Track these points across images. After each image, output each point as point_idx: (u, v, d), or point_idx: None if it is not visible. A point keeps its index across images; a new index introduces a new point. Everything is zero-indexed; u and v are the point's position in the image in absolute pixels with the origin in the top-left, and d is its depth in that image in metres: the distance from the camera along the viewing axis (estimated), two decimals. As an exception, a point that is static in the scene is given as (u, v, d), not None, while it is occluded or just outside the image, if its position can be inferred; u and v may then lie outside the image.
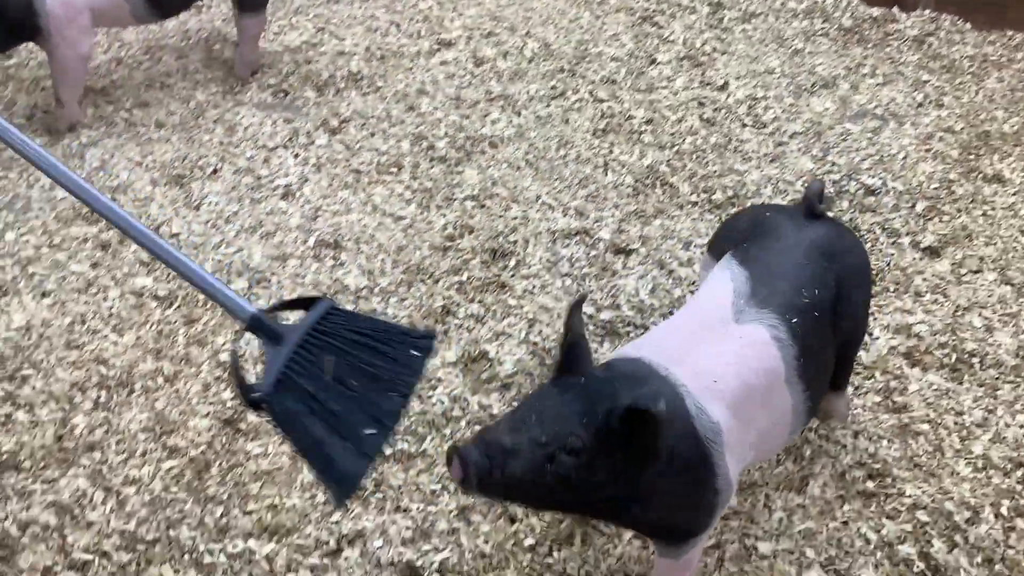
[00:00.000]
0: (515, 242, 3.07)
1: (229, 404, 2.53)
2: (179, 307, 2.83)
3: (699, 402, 1.81)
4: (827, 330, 2.05)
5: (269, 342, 1.67)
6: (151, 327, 2.75)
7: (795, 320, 1.97)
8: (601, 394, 1.73)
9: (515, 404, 2.27)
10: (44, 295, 2.83)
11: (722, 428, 1.82)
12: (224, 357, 2.65)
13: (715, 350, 1.91)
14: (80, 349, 2.67)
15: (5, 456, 2.37)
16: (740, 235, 2.19)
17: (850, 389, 2.53)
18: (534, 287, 2.90)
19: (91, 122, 3.57)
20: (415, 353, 1.75)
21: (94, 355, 2.65)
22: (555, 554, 2.19)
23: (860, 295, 2.18)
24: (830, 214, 2.30)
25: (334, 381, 1.65)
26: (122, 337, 2.72)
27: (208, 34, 4.18)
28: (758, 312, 1.96)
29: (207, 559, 2.16)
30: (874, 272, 2.95)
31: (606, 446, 1.69)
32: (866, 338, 2.73)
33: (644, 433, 1.67)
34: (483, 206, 3.24)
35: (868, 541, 2.21)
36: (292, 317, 1.75)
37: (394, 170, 3.41)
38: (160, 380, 2.60)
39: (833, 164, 3.45)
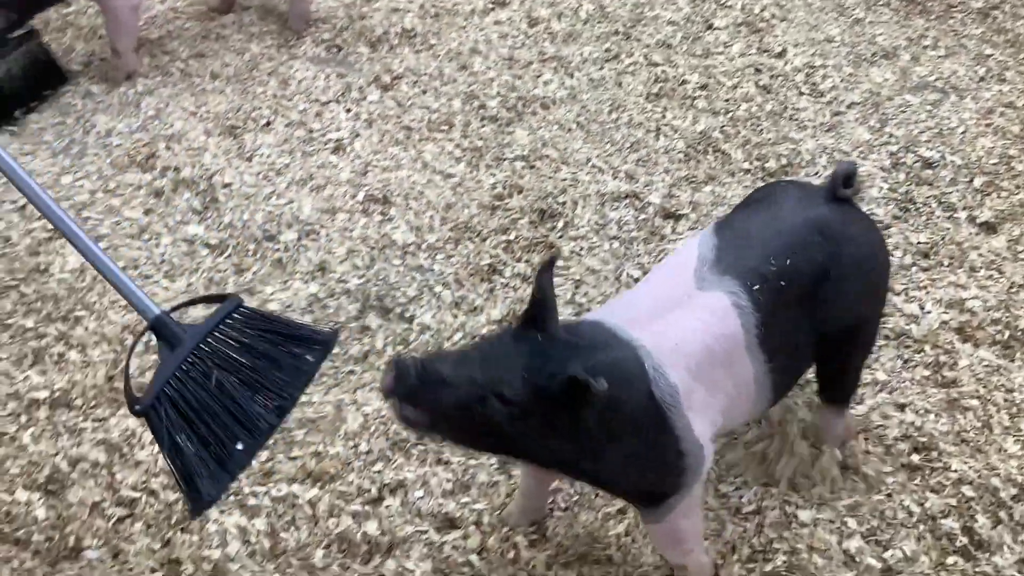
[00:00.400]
0: (564, 203, 3.05)
1: (276, 352, 2.57)
2: (230, 256, 2.86)
3: (658, 365, 1.81)
4: (800, 306, 1.95)
5: (166, 346, 1.71)
6: (202, 274, 2.79)
7: (756, 287, 1.91)
8: (550, 354, 1.73)
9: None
10: (98, 239, 2.87)
11: (680, 391, 1.82)
12: (274, 307, 2.68)
13: (676, 316, 1.89)
14: (132, 293, 2.71)
15: (58, 394, 2.43)
16: (745, 204, 2.16)
17: (895, 365, 2.50)
18: (581, 249, 2.89)
19: (147, 71, 3.60)
20: (309, 358, 1.80)
21: (146, 299, 2.69)
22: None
23: (855, 287, 2.02)
24: (859, 203, 2.16)
25: (217, 392, 1.70)
26: (173, 283, 2.76)
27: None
28: (719, 279, 1.92)
29: (251, 501, 2.20)
30: (928, 246, 2.91)
31: (543, 405, 1.70)
32: (917, 311, 2.70)
33: (582, 404, 1.67)
34: (533, 167, 3.23)
35: (911, 514, 2.19)
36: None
37: (445, 128, 3.40)
38: (209, 326, 2.63)
39: (891, 136, 3.38)
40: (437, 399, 1.68)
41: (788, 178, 3.16)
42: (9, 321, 2.61)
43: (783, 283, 1.92)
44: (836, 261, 1.97)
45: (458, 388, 1.68)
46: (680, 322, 1.88)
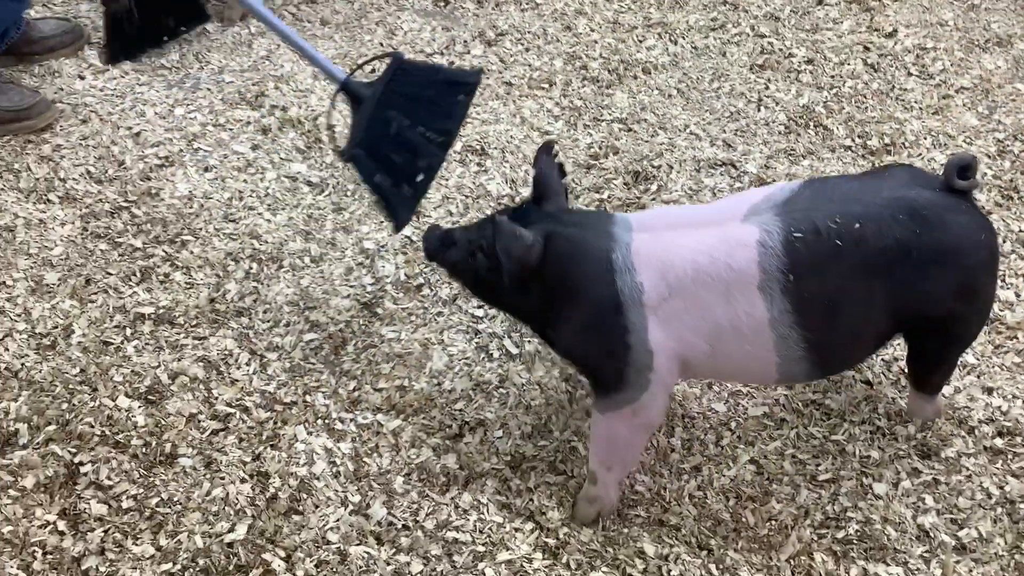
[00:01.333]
0: (659, 167, 3.06)
1: (368, 289, 2.64)
2: (329, 194, 2.94)
3: (630, 261, 1.91)
4: (865, 278, 1.89)
5: (353, 104, 2.30)
6: (302, 210, 2.88)
7: (799, 235, 1.87)
8: (528, 220, 1.98)
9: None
10: (207, 170, 2.98)
11: (646, 292, 1.89)
12: (368, 245, 2.76)
13: (694, 233, 1.94)
14: (236, 223, 2.82)
15: (162, 311, 2.54)
16: (853, 176, 2.16)
17: (986, 350, 2.47)
18: (674, 212, 2.91)
19: (260, 14, 3.70)
20: (461, 98, 2.32)
21: (249, 230, 2.79)
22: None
23: (945, 278, 1.93)
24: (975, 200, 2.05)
25: (398, 134, 2.23)
26: (275, 216, 2.85)
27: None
28: (766, 217, 1.91)
29: (338, 426, 2.29)
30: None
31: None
32: (1013, 298, 2.65)
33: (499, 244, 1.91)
34: (630, 130, 3.24)
35: (990, 496, 2.17)
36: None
37: (545, 86, 3.43)
38: (307, 260, 2.72)
39: (999, 123, 3.31)
40: (448, 255, 2.08)
41: (915, 154, 3.11)
42: (120, 240, 2.74)
43: (839, 243, 1.87)
44: (922, 245, 1.89)
45: (460, 246, 2.06)
46: (688, 237, 1.93)
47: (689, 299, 1.90)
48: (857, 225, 1.88)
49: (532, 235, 1.92)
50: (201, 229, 2.78)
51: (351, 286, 2.66)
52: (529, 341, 2.51)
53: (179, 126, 3.13)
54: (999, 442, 2.28)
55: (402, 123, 2.23)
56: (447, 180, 3.00)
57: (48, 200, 2.84)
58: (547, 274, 1.94)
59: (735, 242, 1.89)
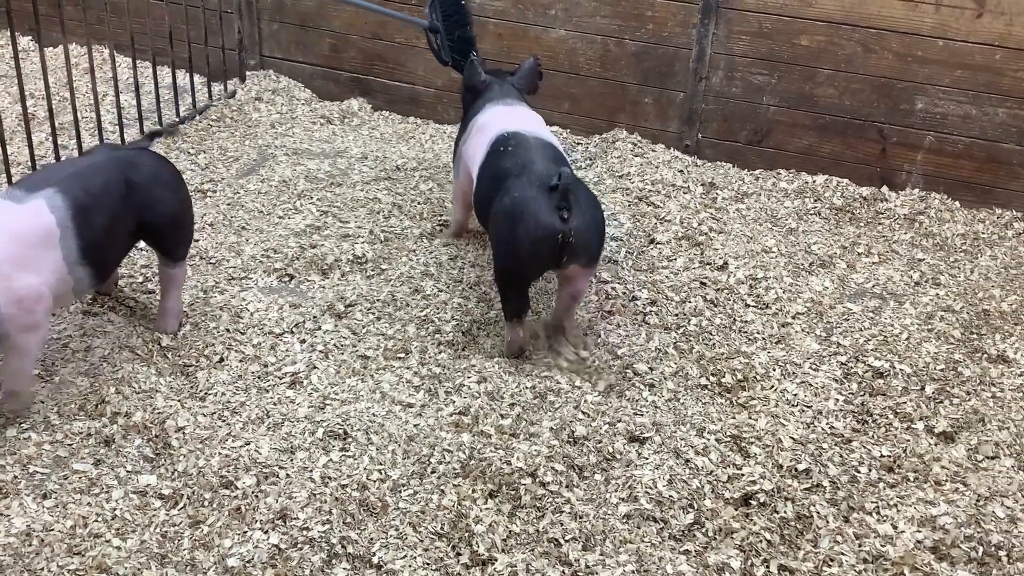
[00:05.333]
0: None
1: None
2: (184, 507, 2.74)
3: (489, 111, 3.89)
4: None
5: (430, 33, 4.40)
6: (155, 529, 2.66)
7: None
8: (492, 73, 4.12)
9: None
10: (45, 496, 2.73)
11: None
12: (232, 563, 2.56)
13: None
14: (82, 555, 2.57)
15: None
16: None
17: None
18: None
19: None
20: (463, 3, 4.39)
21: (96, 562, 2.55)
22: None
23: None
24: None
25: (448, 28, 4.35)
26: (125, 542, 2.62)
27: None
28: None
29: None
30: (891, 460, 2.93)
31: None
32: (891, 531, 2.68)
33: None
34: (492, 392, 3.21)
35: None
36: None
37: (402, 355, 3.39)
38: None
39: (839, 345, 3.47)
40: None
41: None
42: None
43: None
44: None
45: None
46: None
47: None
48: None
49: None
50: (42, 570, 2.51)
51: (218, 614, 2.43)
52: None
53: (11, 449, 2.88)
54: None
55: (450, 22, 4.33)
56: (311, 472, 2.86)
57: None
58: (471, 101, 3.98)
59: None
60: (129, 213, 3.11)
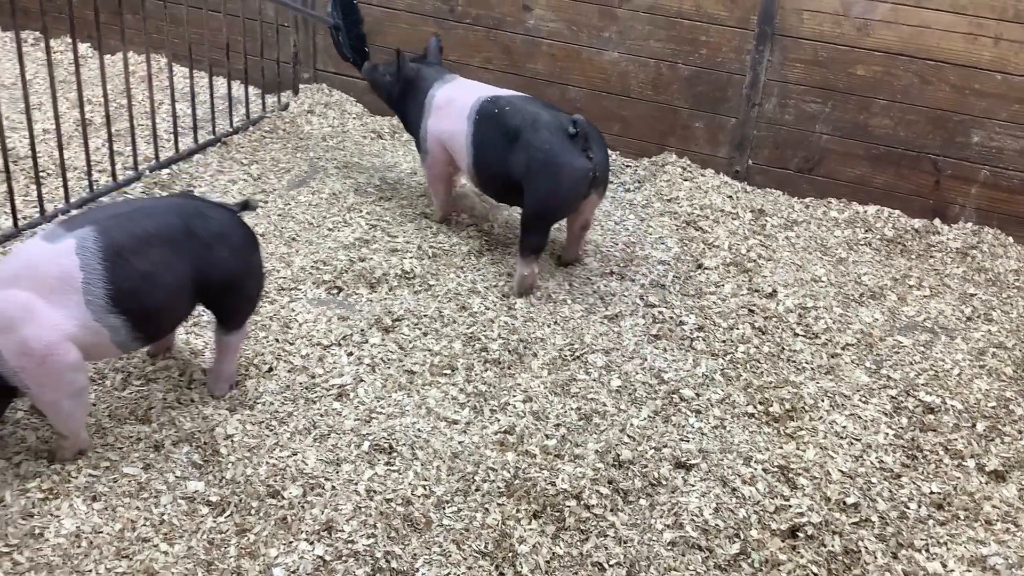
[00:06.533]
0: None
1: (282, 624, 2.43)
2: (231, 515, 2.76)
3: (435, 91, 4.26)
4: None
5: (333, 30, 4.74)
6: (202, 536, 2.68)
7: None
8: (416, 63, 4.38)
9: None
10: (95, 498, 2.77)
11: (437, 100, 4.19)
12: (277, 573, 2.57)
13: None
14: (130, 559, 2.59)
15: None
16: None
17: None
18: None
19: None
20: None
21: (144, 566, 2.57)
22: None
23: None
24: None
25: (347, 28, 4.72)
26: (172, 547, 2.64)
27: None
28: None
29: None
30: (941, 497, 2.89)
31: None
32: (940, 569, 2.64)
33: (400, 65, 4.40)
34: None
35: None
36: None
37: (448, 371, 3.40)
38: None
39: (889, 378, 3.43)
40: (372, 73, 4.46)
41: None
42: (-2, 592, 2.47)
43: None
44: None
45: (379, 70, 4.43)
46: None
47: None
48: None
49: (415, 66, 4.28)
50: (90, 572, 2.54)
51: (261, 622, 2.44)
52: None
53: (63, 449, 2.92)
54: None
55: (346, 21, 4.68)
56: (356, 485, 2.87)
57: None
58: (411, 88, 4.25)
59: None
60: (184, 265, 2.82)
